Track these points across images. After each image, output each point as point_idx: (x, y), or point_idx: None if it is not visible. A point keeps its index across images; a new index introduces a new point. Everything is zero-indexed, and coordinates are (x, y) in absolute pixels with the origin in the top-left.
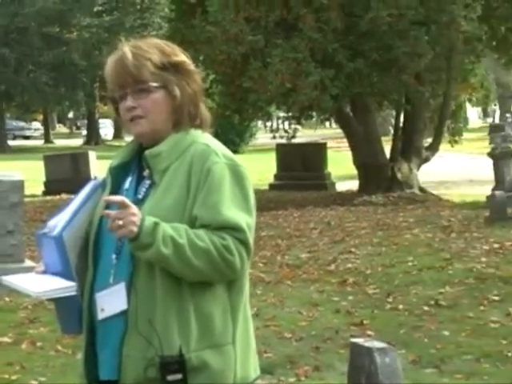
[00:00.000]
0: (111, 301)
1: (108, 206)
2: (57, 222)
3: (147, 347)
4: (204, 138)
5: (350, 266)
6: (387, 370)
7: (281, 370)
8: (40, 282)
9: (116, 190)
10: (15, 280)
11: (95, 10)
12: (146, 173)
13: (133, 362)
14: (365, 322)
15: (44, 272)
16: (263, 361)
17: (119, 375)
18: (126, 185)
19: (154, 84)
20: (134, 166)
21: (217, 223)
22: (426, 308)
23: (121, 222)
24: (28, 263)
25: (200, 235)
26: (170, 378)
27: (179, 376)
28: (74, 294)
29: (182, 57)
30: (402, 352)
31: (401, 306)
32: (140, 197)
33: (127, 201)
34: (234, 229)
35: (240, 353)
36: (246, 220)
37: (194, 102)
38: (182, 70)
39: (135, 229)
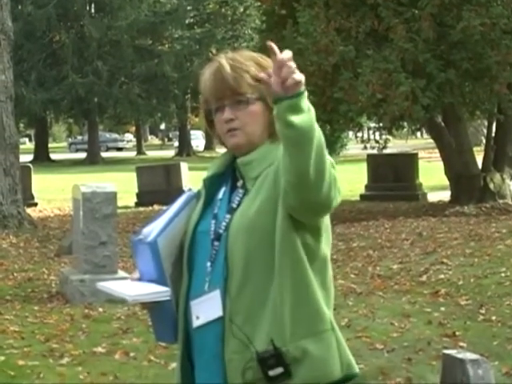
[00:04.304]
0: (206, 308)
1: None
2: (151, 229)
3: (244, 349)
4: None
5: (442, 276)
6: (480, 382)
7: (373, 381)
8: (135, 288)
9: (210, 201)
10: (110, 285)
11: (187, 22)
12: (239, 183)
13: (235, 364)
14: (457, 333)
15: (139, 279)
16: None
17: (225, 379)
18: (220, 195)
19: (253, 96)
20: (228, 177)
21: None
22: None
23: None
24: (121, 274)
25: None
26: (272, 373)
27: (280, 370)
28: (168, 298)
29: None
30: (495, 364)
31: (494, 318)
32: (234, 205)
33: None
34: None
35: (342, 339)
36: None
37: None
38: None
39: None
